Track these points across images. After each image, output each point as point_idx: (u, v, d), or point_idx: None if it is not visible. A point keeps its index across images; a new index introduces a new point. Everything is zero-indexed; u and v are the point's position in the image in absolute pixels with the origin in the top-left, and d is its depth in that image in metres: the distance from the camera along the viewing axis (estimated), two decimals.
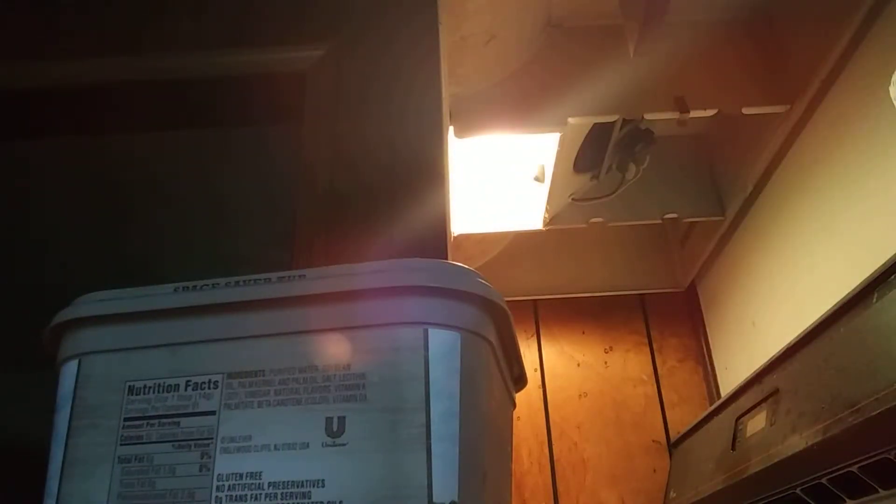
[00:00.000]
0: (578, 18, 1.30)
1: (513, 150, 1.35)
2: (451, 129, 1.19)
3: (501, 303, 0.30)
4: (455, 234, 1.42)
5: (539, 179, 1.40)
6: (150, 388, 0.28)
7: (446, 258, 0.74)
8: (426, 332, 0.28)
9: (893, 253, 0.76)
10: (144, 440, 0.28)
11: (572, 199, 1.47)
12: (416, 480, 0.27)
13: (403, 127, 0.81)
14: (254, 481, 0.27)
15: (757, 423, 1.02)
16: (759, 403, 1.05)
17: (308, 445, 0.27)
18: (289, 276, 0.30)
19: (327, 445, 0.27)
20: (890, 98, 0.92)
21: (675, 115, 1.23)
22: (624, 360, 1.72)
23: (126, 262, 0.68)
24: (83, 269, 0.77)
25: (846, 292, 0.84)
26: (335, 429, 0.28)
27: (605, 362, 1.72)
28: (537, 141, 1.30)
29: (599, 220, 1.50)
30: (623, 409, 1.65)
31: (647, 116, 1.26)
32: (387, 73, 0.84)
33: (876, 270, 0.79)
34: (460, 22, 1.10)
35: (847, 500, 0.83)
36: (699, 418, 1.40)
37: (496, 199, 1.45)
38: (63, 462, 0.29)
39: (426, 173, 0.77)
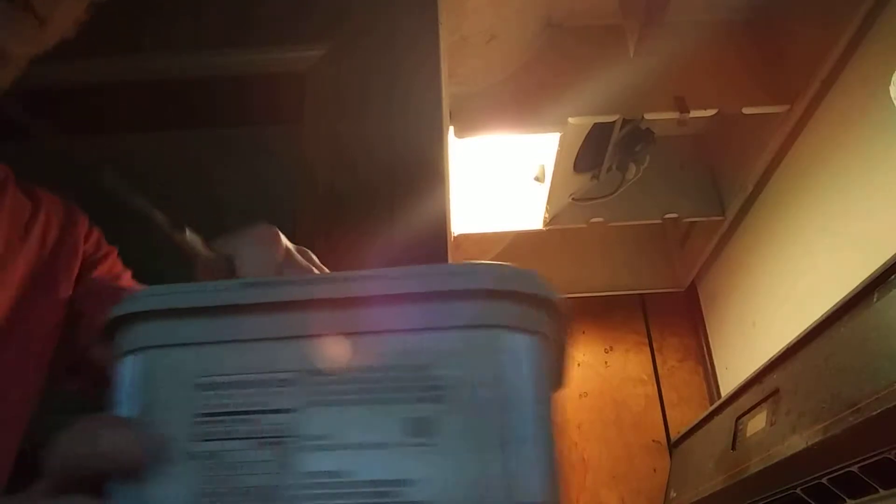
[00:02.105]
0: (578, 18, 1.30)
1: (513, 150, 1.35)
2: (451, 129, 1.19)
3: (566, 308, 0.31)
4: (455, 234, 1.42)
5: (539, 179, 1.40)
6: (222, 384, 0.28)
7: (446, 258, 0.74)
8: (502, 335, 0.28)
9: (893, 253, 0.76)
10: (220, 437, 0.27)
11: (572, 199, 1.47)
12: (500, 481, 0.27)
13: (403, 127, 0.81)
14: (337, 479, 0.27)
15: (757, 423, 1.02)
16: (759, 403, 1.05)
17: (391, 445, 0.27)
18: (361, 276, 0.30)
19: (410, 445, 0.27)
20: (890, 98, 0.92)
21: (675, 115, 1.23)
22: (624, 359, 1.72)
23: (125, 261, 0.68)
24: None
25: (846, 292, 0.84)
26: (417, 429, 0.27)
27: (606, 362, 1.72)
28: (537, 141, 1.30)
29: (600, 220, 1.50)
30: (623, 409, 1.65)
31: (647, 116, 1.26)
32: (387, 74, 0.84)
33: (876, 270, 0.79)
34: (460, 21, 1.10)
35: (847, 500, 0.83)
36: (699, 418, 1.40)
37: (496, 199, 1.45)
38: None
39: (426, 173, 0.77)
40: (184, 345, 0.29)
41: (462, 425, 0.28)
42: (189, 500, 0.27)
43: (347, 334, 0.29)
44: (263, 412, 0.28)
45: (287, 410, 0.28)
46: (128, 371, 0.29)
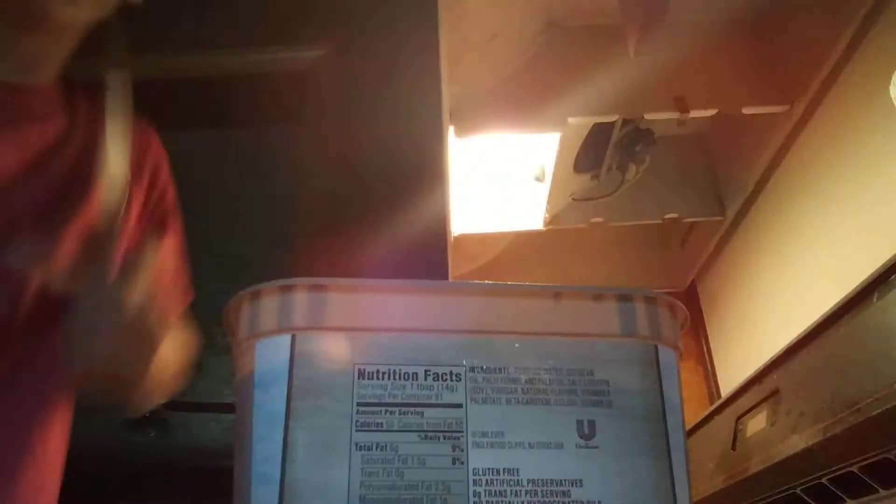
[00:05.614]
0: (579, 18, 1.30)
1: (513, 150, 1.35)
2: (451, 128, 1.19)
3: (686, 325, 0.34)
4: (455, 235, 1.42)
5: (539, 179, 1.40)
6: (383, 373, 0.27)
7: (446, 258, 0.75)
8: (656, 348, 0.30)
9: (893, 253, 0.76)
10: (385, 428, 0.27)
11: (573, 198, 1.47)
12: (664, 485, 0.29)
13: (404, 127, 0.81)
14: (512, 477, 0.27)
15: (757, 423, 1.02)
16: (759, 403, 1.05)
17: (562, 446, 0.28)
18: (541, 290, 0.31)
19: (580, 447, 0.28)
20: (890, 98, 0.92)
21: (675, 115, 1.23)
22: None
23: None
24: None
25: (846, 292, 0.84)
26: (586, 431, 0.28)
27: None
28: (537, 141, 1.30)
29: (600, 220, 1.50)
30: None
31: (647, 116, 1.26)
32: (387, 73, 0.84)
33: (876, 270, 0.79)
34: (460, 21, 1.10)
35: (847, 500, 0.83)
36: (699, 418, 1.40)
37: (496, 199, 1.45)
38: (285, 445, 0.26)
39: (426, 173, 0.77)
40: (339, 329, 0.28)
41: (625, 430, 0.29)
42: (355, 491, 0.26)
43: (514, 333, 0.29)
44: (430, 405, 0.27)
45: (456, 405, 0.28)
46: (272, 351, 0.27)
